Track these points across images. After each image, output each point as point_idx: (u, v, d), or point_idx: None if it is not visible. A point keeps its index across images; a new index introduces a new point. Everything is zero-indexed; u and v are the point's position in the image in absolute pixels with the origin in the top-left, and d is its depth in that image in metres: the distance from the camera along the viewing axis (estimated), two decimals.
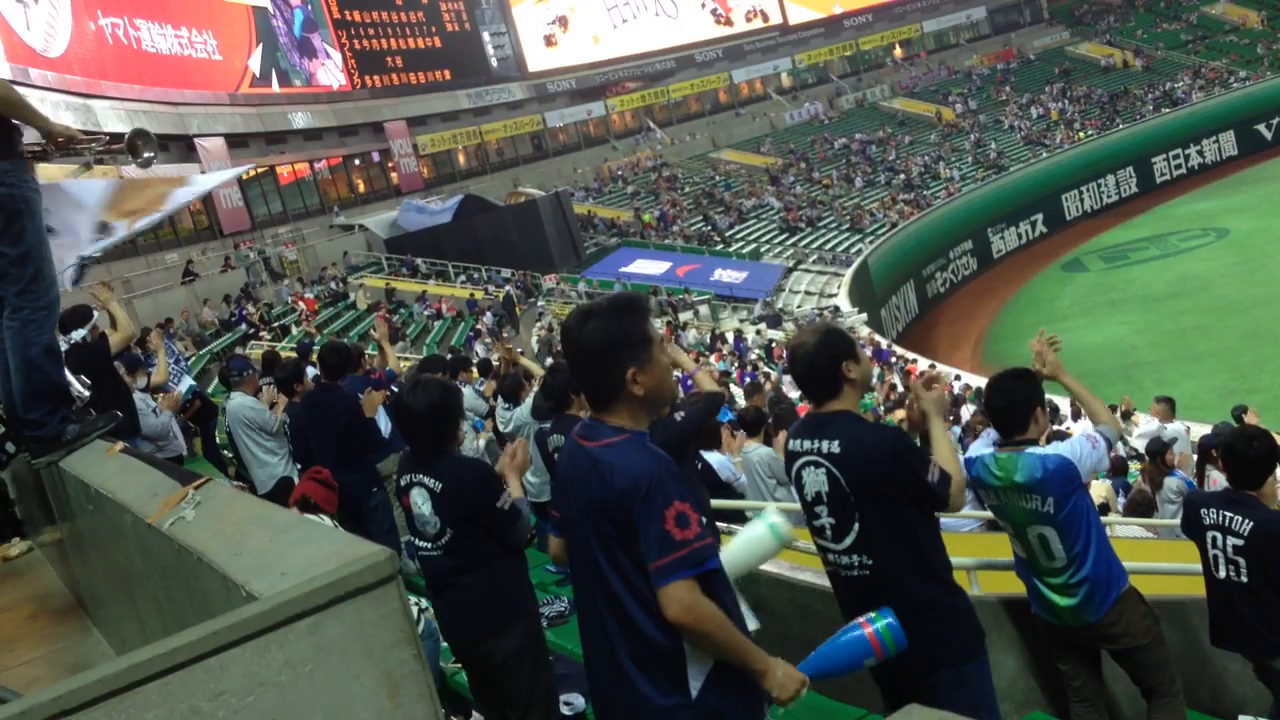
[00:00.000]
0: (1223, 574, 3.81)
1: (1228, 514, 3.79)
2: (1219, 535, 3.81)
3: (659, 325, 27.92)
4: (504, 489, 3.67)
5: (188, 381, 9.20)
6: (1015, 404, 3.70)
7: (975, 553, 4.58)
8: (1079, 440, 3.67)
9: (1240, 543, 3.73)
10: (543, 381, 6.38)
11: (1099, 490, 8.49)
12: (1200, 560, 3.94)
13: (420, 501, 3.67)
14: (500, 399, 7.98)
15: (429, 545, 3.72)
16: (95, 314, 6.16)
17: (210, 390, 13.21)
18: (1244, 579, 3.74)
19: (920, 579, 3.08)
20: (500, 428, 8.03)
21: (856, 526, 3.08)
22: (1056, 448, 3.64)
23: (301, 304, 27.48)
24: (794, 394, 18.79)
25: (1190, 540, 4.02)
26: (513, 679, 3.65)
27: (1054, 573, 3.66)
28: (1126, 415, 14.25)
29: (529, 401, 6.98)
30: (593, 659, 2.51)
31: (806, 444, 3.13)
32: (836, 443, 3.06)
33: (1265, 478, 3.83)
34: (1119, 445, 10.77)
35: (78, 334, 6.03)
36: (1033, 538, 3.65)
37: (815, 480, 3.13)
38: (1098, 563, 3.60)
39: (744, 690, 2.39)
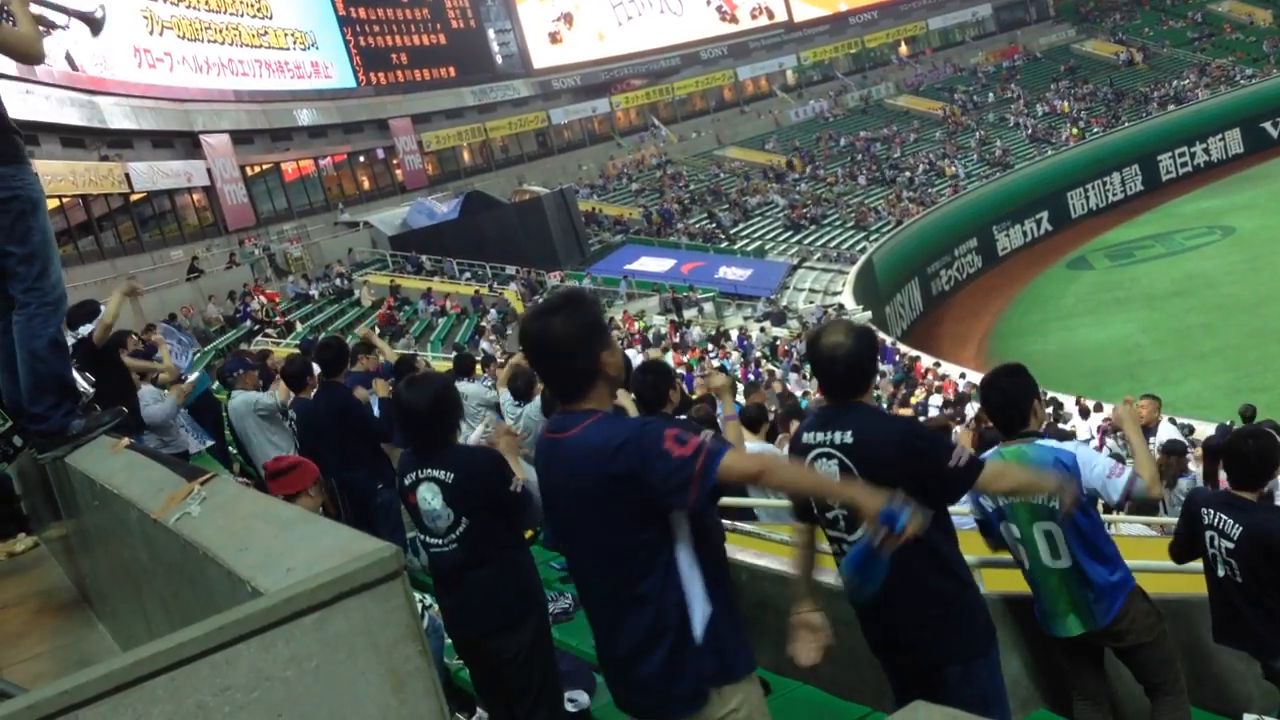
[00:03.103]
0: (1221, 573, 3.81)
1: (1222, 516, 3.78)
2: (1215, 536, 3.81)
3: (663, 322, 28.07)
4: (512, 473, 3.66)
5: (195, 376, 9.06)
6: (1011, 400, 3.70)
7: (979, 551, 4.56)
8: (1100, 455, 3.68)
9: (1231, 545, 3.73)
10: None
11: None
12: (1202, 559, 3.94)
13: (430, 496, 3.63)
14: (510, 395, 7.98)
15: (439, 541, 3.67)
16: (103, 308, 6.12)
17: (214, 388, 13.15)
18: (1239, 580, 3.75)
19: (933, 572, 3.08)
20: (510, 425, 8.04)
21: None
22: (1074, 445, 3.64)
23: (262, 297, 26.43)
24: (798, 391, 18.76)
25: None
26: (524, 673, 3.64)
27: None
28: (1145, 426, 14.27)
29: (538, 399, 6.97)
30: (604, 640, 2.57)
31: (819, 436, 3.13)
32: (849, 433, 3.06)
33: (1265, 479, 3.81)
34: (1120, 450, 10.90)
35: (85, 329, 6.01)
36: (1039, 534, 3.64)
37: (827, 471, 3.13)
38: (1102, 566, 3.60)
39: (741, 631, 2.52)
